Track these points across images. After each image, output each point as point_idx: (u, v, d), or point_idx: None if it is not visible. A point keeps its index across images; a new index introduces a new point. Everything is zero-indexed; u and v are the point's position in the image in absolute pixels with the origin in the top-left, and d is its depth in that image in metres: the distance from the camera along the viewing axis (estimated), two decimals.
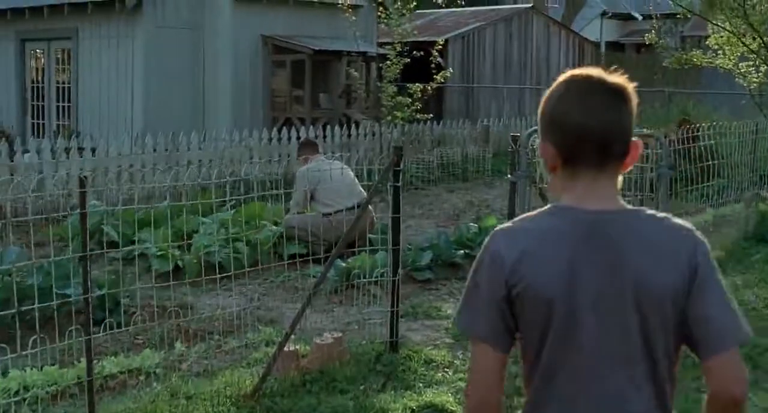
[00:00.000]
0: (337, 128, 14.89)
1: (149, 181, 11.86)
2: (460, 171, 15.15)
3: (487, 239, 2.11)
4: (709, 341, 2.00)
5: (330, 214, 8.93)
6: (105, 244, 9.10)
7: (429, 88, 15.56)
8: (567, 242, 2.02)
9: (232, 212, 9.71)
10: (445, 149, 15.30)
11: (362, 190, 9.31)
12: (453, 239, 8.70)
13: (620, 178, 2.09)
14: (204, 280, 7.47)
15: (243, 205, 10.41)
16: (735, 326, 2.02)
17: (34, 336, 5.10)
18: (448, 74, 16.27)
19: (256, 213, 9.66)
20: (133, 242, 9.00)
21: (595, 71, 2.05)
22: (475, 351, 2.09)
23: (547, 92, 2.10)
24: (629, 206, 2.07)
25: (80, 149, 18.01)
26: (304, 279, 7.98)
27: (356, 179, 9.42)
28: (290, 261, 8.85)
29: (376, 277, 7.29)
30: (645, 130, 7.87)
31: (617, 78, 2.03)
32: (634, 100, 2.04)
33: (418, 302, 7.58)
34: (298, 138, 14.09)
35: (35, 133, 20.32)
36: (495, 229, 2.13)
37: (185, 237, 9.04)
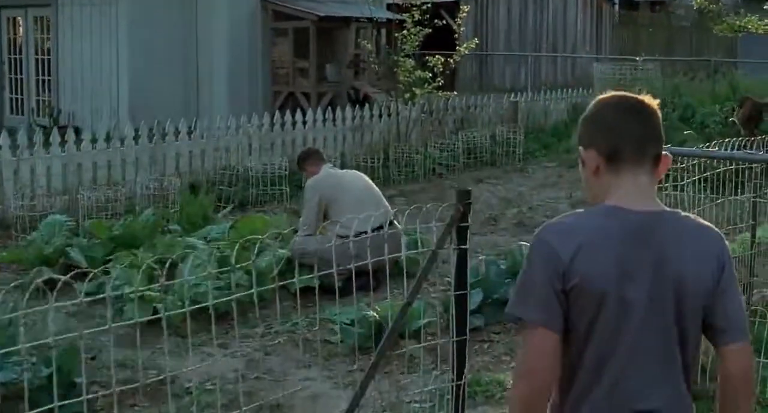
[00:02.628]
0: (348, 109, 13.01)
1: (130, 178, 10.06)
2: (488, 155, 13.30)
3: (539, 233, 2.25)
4: (732, 331, 2.27)
5: (348, 237, 7.12)
6: (68, 272, 7.43)
7: (452, 60, 13.68)
8: (618, 240, 2.20)
9: (228, 226, 7.94)
10: (471, 131, 13.45)
11: (387, 204, 7.50)
12: (506, 268, 6.90)
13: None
14: (190, 332, 5.77)
15: (241, 217, 8.64)
16: (747, 322, 2.33)
17: None
18: (474, 45, 14.37)
19: (257, 227, 7.87)
20: (106, 270, 7.22)
21: (626, 92, 2.37)
22: (532, 336, 2.21)
23: (587, 112, 2.36)
24: (667, 208, 2.30)
25: (60, 129, 16.29)
26: (318, 325, 6.23)
27: (379, 191, 7.59)
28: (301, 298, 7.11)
29: (417, 329, 5.60)
30: None
31: (646, 97, 2.33)
32: (660, 115, 2.33)
33: (471, 369, 5.80)
34: (304, 122, 12.24)
35: (13, 109, 18.56)
36: (545, 223, 2.29)
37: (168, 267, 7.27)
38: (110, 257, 7.58)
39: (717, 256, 2.26)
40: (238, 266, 7.10)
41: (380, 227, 7.18)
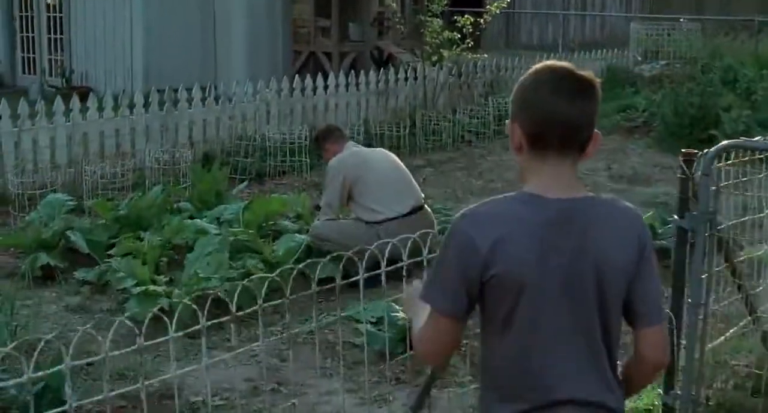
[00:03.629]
0: (372, 72, 12.28)
1: (140, 148, 9.42)
2: None
3: (456, 222, 2.19)
4: (648, 314, 2.25)
5: (377, 223, 6.46)
6: (68, 257, 6.84)
7: (482, 20, 12.90)
8: (537, 229, 2.14)
9: (242, 206, 7.31)
10: (501, 96, 12.69)
11: (418, 186, 6.82)
12: None
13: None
14: (203, 328, 5.18)
15: (256, 195, 8.01)
16: (662, 304, 2.31)
17: None
18: (505, 4, 13.57)
19: (273, 210, 7.23)
20: (109, 254, 6.62)
21: (566, 64, 2.20)
22: (437, 322, 2.22)
23: (521, 79, 2.23)
24: (589, 193, 2.23)
25: (72, 89, 15.66)
26: (341, 328, 5.60)
27: (408, 172, 6.90)
28: (323, 288, 6.50)
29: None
30: None
31: (586, 72, 2.19)
32: (599, 95, 2.19)
33: None
34: (326, 87, 11.53)
35: (25, 69, 17.93)
36: (463, 212, 2.22)
37: (179, 250, 6.68)
38: (115, 239, 6.98)
39: (637, 237, 2.21)
40: (253, 254, 6.51)
41: (411, 212, 6.53)
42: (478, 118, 12.15)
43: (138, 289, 5.70)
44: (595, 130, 2.20)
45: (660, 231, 7.08)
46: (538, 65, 2.23)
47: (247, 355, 5.31)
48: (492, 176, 10.46)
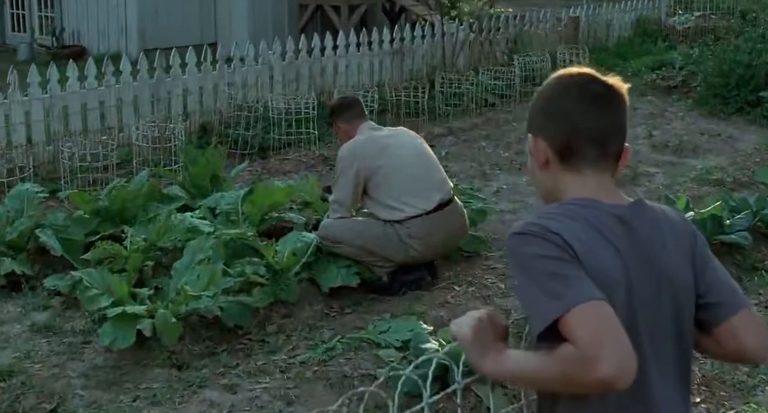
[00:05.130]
0: (385, 30, 11.18)
1: (128, 123, 8.40)
2: None
3: (526, 230, 1.83)
4: (728, 302, 1.94)
5: (398, 222, 5.44)
6: (39, 260, 5.89)
7: None
8: (609, 234, 1.85)
9: (241, 195, 6.33)
10: (527, 53, 11.58)
11: (445, 175, 5.79)
12: None
13: None
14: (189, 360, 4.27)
15: (257, 183, 7.03)
16: (739, 289, 2.00)
17: None
18: None
19: (277, 201, 6.23)
20: (86, 260, 5.64)
21: (591, 71, 2.00)
22: (597, 311, 1.70)
23: (541, 88, 2.03)
24: (631, 199, 1.98)
25: (63, 49, 14.59)
26: (356, 360, 4.64)
27: (435, 157, 5.86)
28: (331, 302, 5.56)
29: None
30: None
31: (614, 79, 1.98)
32: (628, 102, 1.98)
33: None
34: (335, 47, 10.44)
35: (15, 26, 16.88)
36: (525, 222, 1.87)
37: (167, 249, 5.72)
38: (94, 236, 6.01)
39: (690, 243, 1.97)
40: (253, 258, 5.52)
41: (437, 207, 5.51)
42: (502, 79, 11.04)
43: (114, 311, 4.72)
44: (626, 143, 1.98)
45: (728, 222, 6.05)
46: (561, 73, 2.01)
47: (247, 398, 4.34)
48: (521, 146, 9.40)
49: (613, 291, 1.79)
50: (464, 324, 1.90)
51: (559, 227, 1.83)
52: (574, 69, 2.02)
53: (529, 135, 2.00)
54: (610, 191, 1.96)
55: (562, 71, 2.02)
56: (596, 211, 1.89)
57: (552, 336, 1.72)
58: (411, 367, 2.12)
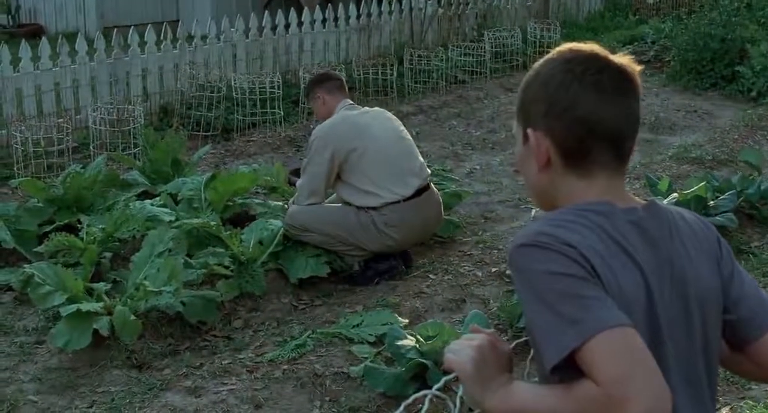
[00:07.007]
0: (352, 5, 10.85)
1: (85, 105, 8.04)
2: (519, 58, 11.14)
3: (535, 238, 1.55)
4: (760, 316, 1.72)
5: (374, 208, 5.16)
6: None
7: None
8: (628, 245, 1.59)
9: (203, 181, 6.04)
10: (497, 29, 11.30)
11: (422, 159, 5.51)
12: None
13: None
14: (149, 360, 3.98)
15: (220, 170, 6.74)
16: None
17: None
18: None
19: (241, 187, 5.93)
20: (39, 253, 5.32)
21: (598, 49, 1.68)
22: (624, 341, 1.44)
23: (540, 68, 1.69)
24: (643, 201, 1.72)
25: (21, 27, 14.12)
26: (327, 358, 4.37)
27: (412, 140, 5.57)
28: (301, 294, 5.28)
29: None
30: None
31: (624, 58, 1.68)
32: (641, 86, 1.70)
33: None
34: (300, 24, 10.11)
35: None
36: (535, 231, 1.58)
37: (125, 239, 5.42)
38: (49, 226, 5.70)
39: (714, 248, 1.72)
40: (217, 248, 5.24)
41: (416, 194, 5.24)
42: (472, 55, 10.76)
43: (68, 309, 4.41)
44: None
45: (711, 203, 5.83)
46: (565, 51, 1.68)
47: (212, 401, 4.06)
48: (493, 124, 9.15)
49: (636, 313, 1.55)
50: (462, 354, 1.63)
51: (574, 237, 1.56)
52: (581, 47, 1.70)
53: (528, 130, 1.69)
54: (622, 193, 1.71)
55: (565, 49, 1.70)
56: (612, 218, 1.63)
57: (567, 363, 1.46)
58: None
